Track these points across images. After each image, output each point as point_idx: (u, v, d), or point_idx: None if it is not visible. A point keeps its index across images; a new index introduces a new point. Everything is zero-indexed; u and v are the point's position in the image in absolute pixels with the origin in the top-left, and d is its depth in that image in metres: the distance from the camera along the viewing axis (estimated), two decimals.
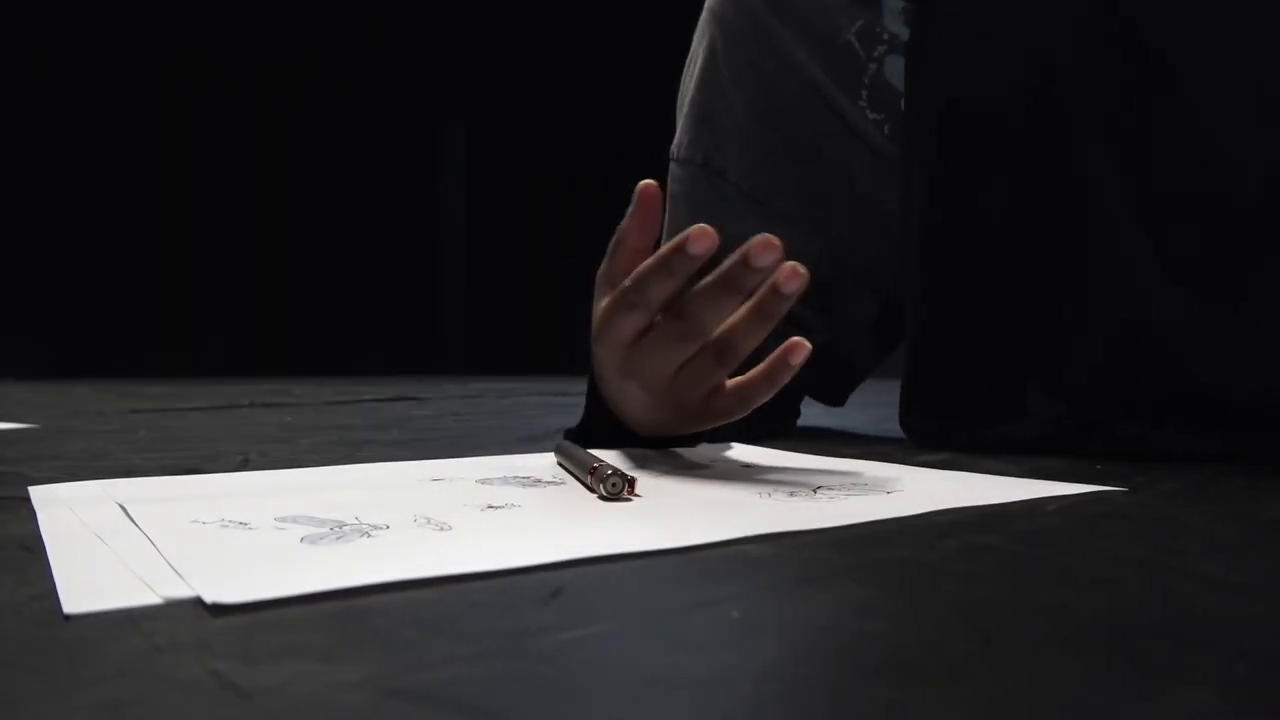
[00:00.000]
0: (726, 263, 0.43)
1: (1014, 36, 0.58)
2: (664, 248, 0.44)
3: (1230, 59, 0.51)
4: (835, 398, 0.79)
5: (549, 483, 0.43)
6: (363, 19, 4.16)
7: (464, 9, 4.40)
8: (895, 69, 0.71)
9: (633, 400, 0.51)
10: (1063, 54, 0.55)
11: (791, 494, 0.39)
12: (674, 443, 0.56)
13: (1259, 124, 0.50)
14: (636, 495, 0.39)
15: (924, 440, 0.64)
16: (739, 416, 0.51)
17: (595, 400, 0.57)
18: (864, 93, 0.72)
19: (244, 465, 0.54)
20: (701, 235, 0.42)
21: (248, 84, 3.90)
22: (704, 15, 0.76)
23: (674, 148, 0.76)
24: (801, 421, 0.81)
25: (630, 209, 0.47)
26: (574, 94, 4.23)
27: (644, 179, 0.47)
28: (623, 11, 3.90)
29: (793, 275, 0.43)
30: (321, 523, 0.32)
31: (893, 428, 0.67)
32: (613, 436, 0.54)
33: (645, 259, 0.46)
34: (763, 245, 0.42)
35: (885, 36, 0.73)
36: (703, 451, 0.55)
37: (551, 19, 4.26)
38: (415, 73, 4.39)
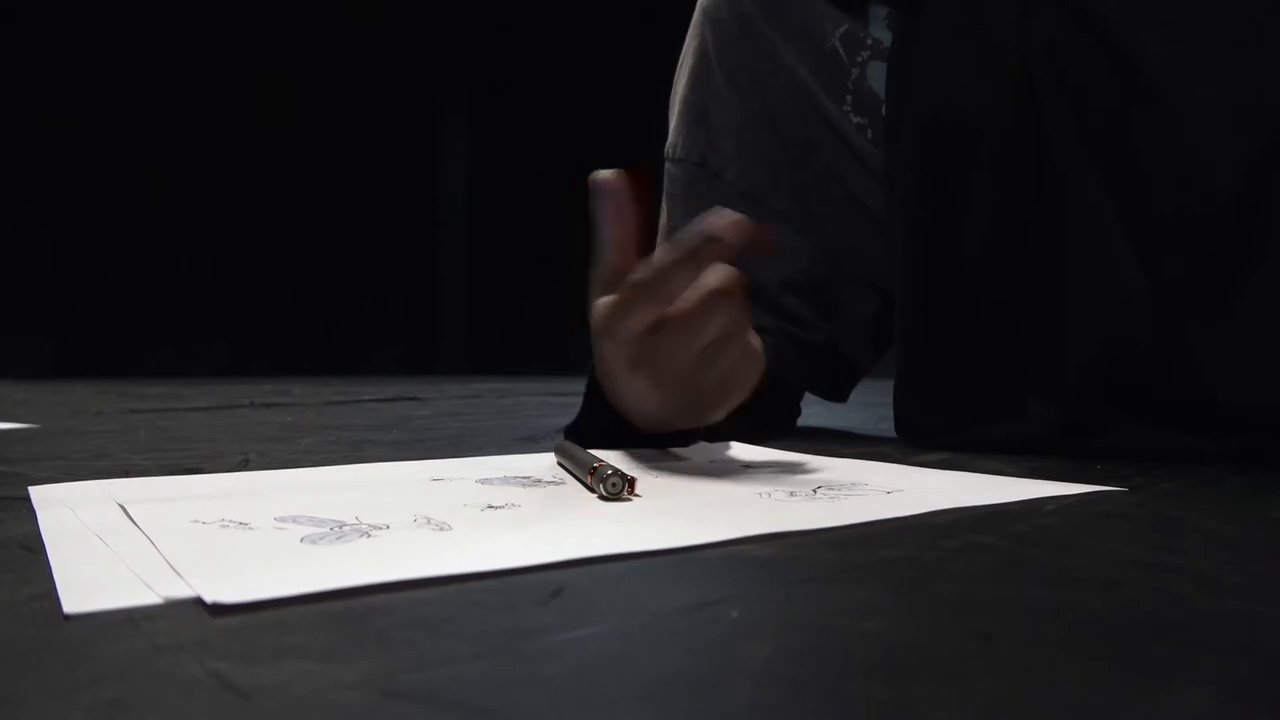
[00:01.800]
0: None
1: (994, 47, 0.58)
2: (688, 238, 0.44)
3: (1207, 74, 0.51)
4: (838, 394, 0.79)
5: (549, 483, 0.43)
6: (362, 18, 4.16)
7: (464, 7, 4.40)
8: (877, 75, 0.72)
9: (642, 393, 0.50)
10: (1041, 65, 0.56)
11: (791, 494, 0.39)
12: (672, 441, 0.56)
13: (1236, 139, 0.50)
14: (636, 495, 0.39)
15: (917, 439, 0.64)
16: (754, 382, 0.50)
17: (594, 399, 0.57)
18: (848, 98, 0.73)
19: (244, 465, 0.54)
20: (736, 224, 0.43)
21: (247, 83, 3.90)
22: (696, 14, 0.76)
23: (669, 148, 0.76)
24: (801, 421, 0.81)
25: (598, 204, 0.46)
26: (574, 92, 4.23)
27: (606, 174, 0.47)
28: (622, 8, 3.90)
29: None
30: (321, 523, 0.32)
31: (892, 427, 0.68)
32: (611, 434, 0.54)
33: (631, 248, 0.46)
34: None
35: (869, 42, 0.73)
36: (703, 451, 0.55)
37: (551, 16, 4.26)
38: (415, 72, 4.39)
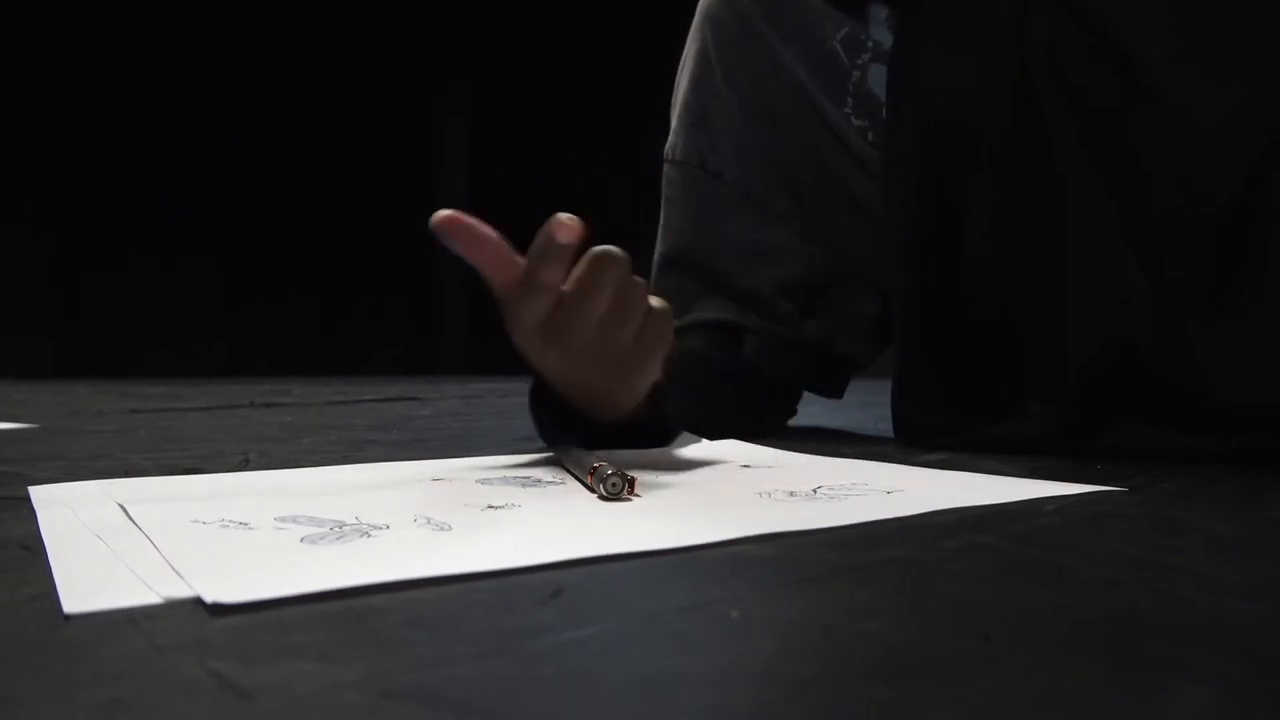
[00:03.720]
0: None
1: (993, 47, 0.58)
2: (537, 240, 0.46)
3: (1207, 75, 0.51)
4: (833, 391, 0.80)
5: (549, 483, 0.43)
6: (362, 18, 4.15)
7: (464, 7, 4.40)
8: (878, 78, 0.71)
9: (559, 369, 0.52)
10: (1041, 65, 0.56)
11: (791, 494, 0.39)
12: (654, 442, 0.56)
13: (1236, 139, 0.50)
14: (636, 495, 0.39)
15: (916, 439, 0.64)
16: (667, 333, 0.52)
17: (540, 407, 0.57)
18: (849, 99, 0.73)
19: (244, 465, 0.54)
20: (565, 227, 0.45)
21: (247, 83, 3.90)
22: (696, 16, 0.76)
23: (668, 149, 0.76)
24: (801, 421, 0.81)
25: (449, 242, 0.48)
26: (574, 92, 4.23)
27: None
28: (622, 9, 3.90)
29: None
30: (321, 523, 0.32)
31: (891, 427, 0.67)
32: (566, 430, 0.55)
33: (506, 265, 0.48)
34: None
35: (869, 45, 0.73)
36: (703, 451, 0.55)
37: (551, 16, 4.25)
38: (415, 72, 4.38)
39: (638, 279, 0.50)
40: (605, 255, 0.47)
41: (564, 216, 0.45)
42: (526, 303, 0.48)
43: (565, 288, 0.48)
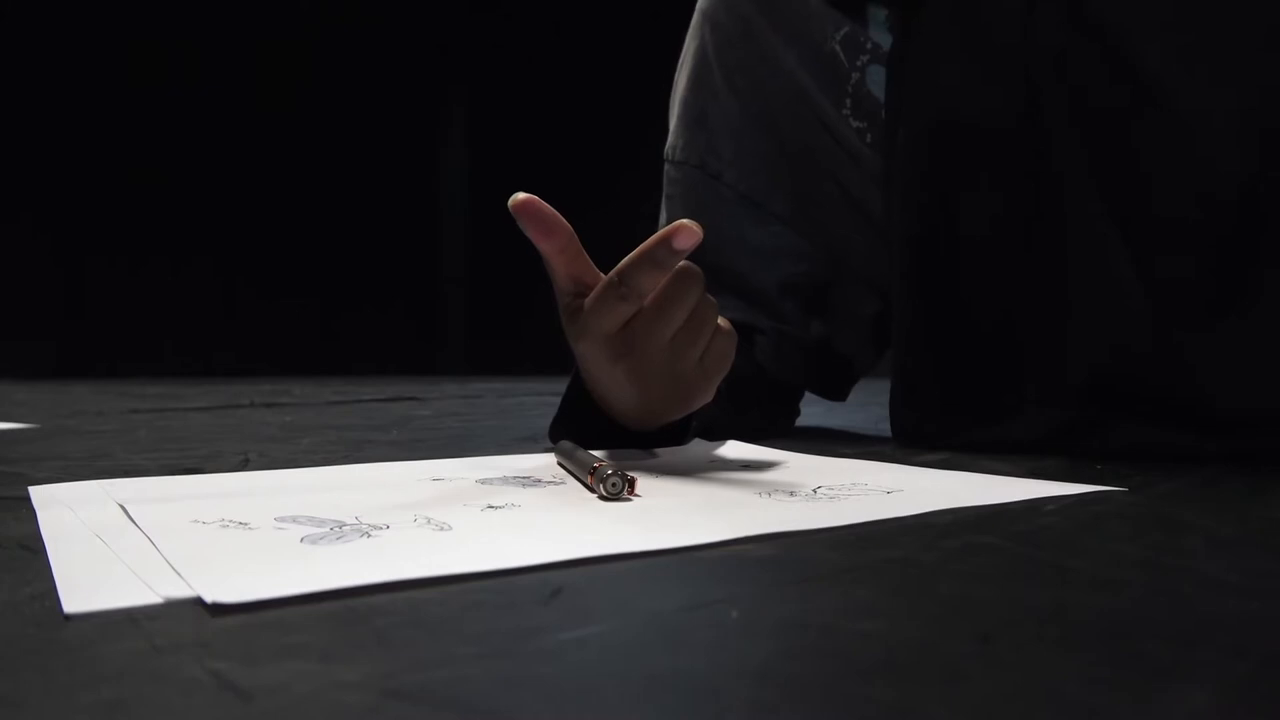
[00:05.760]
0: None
1: (996, 50, 0.58)
2: (649, 240, 0.45)
3: (1209, 79, 0.51)
4: (837, 393, 0.79)
5: (549, 483, 0.43)
6: (362, 18, 4.16)
7: (464, 7, 4.40)
8: (876, 78, 0.71)
9: (622, 385, 0.51)
10: (1044, 69, 0.56)
11: (791, 494, 0.39)
12: (663, 442, 0.56)
13: (1238, 143, 0.50)
14: (636, 495, 0.39)
15: (911, 440, 0.64)
16: (730, 356, 0.52)
17: (574, 402, 0.57)
18: (848, 100, 0.73)
19: (244, 465, 0.54)
20: (688, 232, 0.44)
21: (247, 84, 3.90)
22: (695, 16, 0.76)
23: (668, 150, 0.76)
24: (801, 421, 0.81)
25: (522, 226, 0.47)
26: (575, 92, 4.23)
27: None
28: (623, 9, 3.90)
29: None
30: (321, 523, 0.32)
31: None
32: (592, 436, 0.54)
33: (573, 256, 0.48)
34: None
35: (869, 46, 0.73)
36: (703, 451, 0.55)
37: (552, 16, 4.26)
38: (415, 71, 4.39)
39: (710, 298, 0.50)
40: (690, 271, 0.47)
41: (689, 222, 0.44)
42: (605, 310, 0.47)
43: (647, 301, 0.47)
